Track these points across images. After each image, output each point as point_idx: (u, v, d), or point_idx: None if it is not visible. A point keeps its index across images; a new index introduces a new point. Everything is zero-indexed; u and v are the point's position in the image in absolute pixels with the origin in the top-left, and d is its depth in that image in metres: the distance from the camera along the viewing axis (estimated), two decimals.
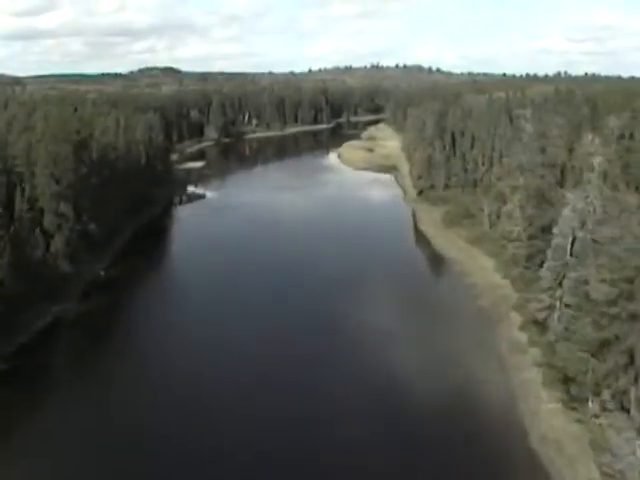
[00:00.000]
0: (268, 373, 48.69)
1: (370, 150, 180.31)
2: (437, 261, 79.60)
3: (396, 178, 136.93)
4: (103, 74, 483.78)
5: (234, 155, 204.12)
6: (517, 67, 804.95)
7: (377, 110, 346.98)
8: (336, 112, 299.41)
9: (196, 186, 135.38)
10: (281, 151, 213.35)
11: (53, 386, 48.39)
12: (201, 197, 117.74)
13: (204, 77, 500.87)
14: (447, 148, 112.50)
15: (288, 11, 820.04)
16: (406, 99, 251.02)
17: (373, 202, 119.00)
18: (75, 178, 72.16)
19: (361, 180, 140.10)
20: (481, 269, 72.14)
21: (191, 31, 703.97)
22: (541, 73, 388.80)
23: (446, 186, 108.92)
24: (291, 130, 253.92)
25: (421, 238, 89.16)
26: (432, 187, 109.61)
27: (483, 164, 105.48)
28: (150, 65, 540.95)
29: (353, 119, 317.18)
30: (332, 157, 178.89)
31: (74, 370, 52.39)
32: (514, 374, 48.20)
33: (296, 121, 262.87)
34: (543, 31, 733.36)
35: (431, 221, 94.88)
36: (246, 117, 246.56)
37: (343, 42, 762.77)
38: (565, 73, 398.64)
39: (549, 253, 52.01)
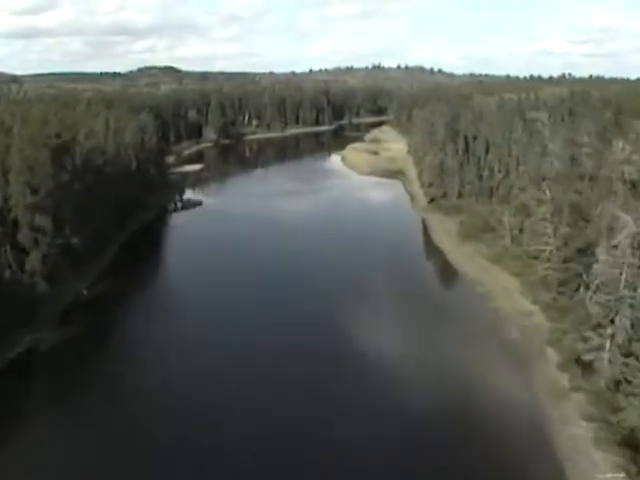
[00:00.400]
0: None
1: (375, 153, 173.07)
2: (455, 280, 72.41)
3: (403, 184, 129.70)
4: (102, 73, 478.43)
5: (233, 157, 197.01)
6: (517, 68, 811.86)
7: (380, 111, 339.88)
8: (338, 113, 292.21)
9: (193, 190, 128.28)
10: (282, 153, 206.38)
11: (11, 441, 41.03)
12: (197, 204, 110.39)
13: (204, 77, 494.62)
14: (460, 153, 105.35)
15: (288, 11, 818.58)
16: (410, 100, 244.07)
17: (381, 210, 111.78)
18: (55, 186, 64.89)
19: (366, 185, 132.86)
20: (505, 291, 64.88)
21: (191, 31, 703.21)
22: (542, 74, 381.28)
23: (459, 194, 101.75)
24: (292, 131, 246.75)
25: (435, 253, 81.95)
26: (444, 195, 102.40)
27: (499, 171, 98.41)
28: (149, 64, 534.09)
29: (355, 121, 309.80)
30: (335, 160, 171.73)
31: (41, 416, 44.95)
32: (558, 428, 40.93)
33: (297, 122, 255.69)
34: (543, 32, 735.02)
35: (445, 233, 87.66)
36: (246, 118, 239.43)
37: (343, 42, 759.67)
38: (569, 75, 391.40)
39: (595, 283, 44.89)
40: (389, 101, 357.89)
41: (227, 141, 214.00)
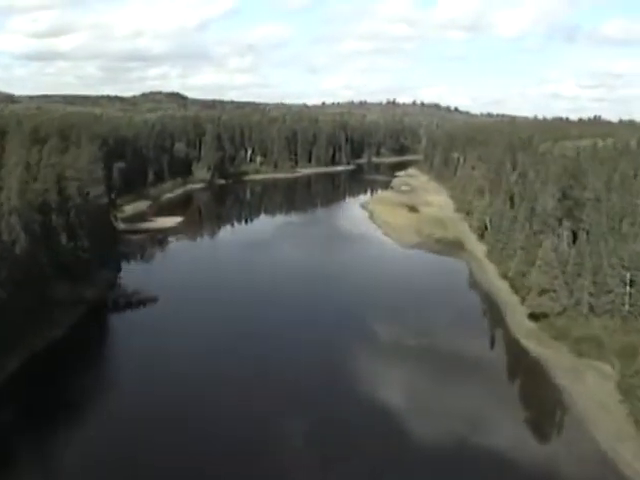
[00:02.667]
0: None
1: (412, 209, 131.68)
2: None
3: (469, 268, 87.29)
4: (102, 96, 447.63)
5: (228, 206, 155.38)
6: (526, 110, 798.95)
7: (402, 150, 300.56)
8: (356, 151, 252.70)
9: (153, 267, 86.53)
10: (290, 201, 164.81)
11: None
12: (150, 300, 67.71)
13: (211, 104, 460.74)
14: (582, 240, 63.41)
15: (303, 44, 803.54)
16: (446, 140, 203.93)
17: (457, 335, 63.46)
18: None
19: (418, 271, 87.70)
20: None
21: (205, 59, 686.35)
22: (547, 116, 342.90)
23: (590, 309, 59.46)
24: (304, 171, 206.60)
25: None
26: (563, 312, 59.78)
27: None
28: (156, 90, 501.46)
29: (375, 160, 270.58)
30: (360, 216, 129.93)
31: None
32: None
33: (310, 160, 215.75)
34: (554, 76, 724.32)
35: (609, 417, 44.74)
36: (249, 153, 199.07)
37: (356, 77, 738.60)
38: (598, 117, 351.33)
39: None
40: (412, 139, 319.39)
41: (223, 181, 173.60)
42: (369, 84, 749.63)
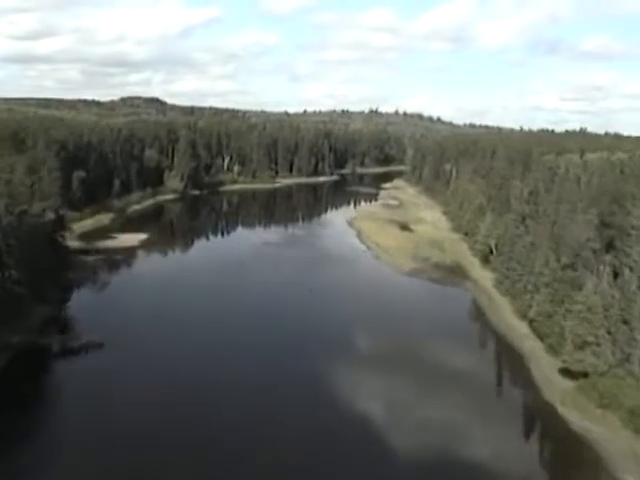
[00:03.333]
0: None
1: (404, 227, 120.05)
2: None
3: (473, 299, 75.66)
4: (79, 100, 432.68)
5: (201, 219, 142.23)
6: (508, 121, 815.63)
7: (387, 160, 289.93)
8: (339, 161, 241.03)
9: (103, 290, 73.26)
10: (270, 216, 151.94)
11: None
12: (94, 347, 54.48)
13: (190, 110, 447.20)
14: (626, 278, 51.82)
15: (286, 52, 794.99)
16: (437, 150, 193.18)
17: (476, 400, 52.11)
18: None
19: (418, 307, 74.75)
20: None
21: (188, 66, 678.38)
22: (531, 128, 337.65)
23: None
24: (284, 182, 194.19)
25: None
26: (607, 371, 48.09)
27: None
28: (134, 95, 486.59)
29: (359, 170, 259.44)
30: (346, 233, 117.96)
31: None
32: None
33: (291, 170, 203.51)
34: (535, 88, 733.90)
35: None
36: (226, 162, 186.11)
37: (338, 86, 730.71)
38: (583, 129, 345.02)
39: None
40: (397, 149, 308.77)
41: (197, 192, 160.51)
42: (351, 93, 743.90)
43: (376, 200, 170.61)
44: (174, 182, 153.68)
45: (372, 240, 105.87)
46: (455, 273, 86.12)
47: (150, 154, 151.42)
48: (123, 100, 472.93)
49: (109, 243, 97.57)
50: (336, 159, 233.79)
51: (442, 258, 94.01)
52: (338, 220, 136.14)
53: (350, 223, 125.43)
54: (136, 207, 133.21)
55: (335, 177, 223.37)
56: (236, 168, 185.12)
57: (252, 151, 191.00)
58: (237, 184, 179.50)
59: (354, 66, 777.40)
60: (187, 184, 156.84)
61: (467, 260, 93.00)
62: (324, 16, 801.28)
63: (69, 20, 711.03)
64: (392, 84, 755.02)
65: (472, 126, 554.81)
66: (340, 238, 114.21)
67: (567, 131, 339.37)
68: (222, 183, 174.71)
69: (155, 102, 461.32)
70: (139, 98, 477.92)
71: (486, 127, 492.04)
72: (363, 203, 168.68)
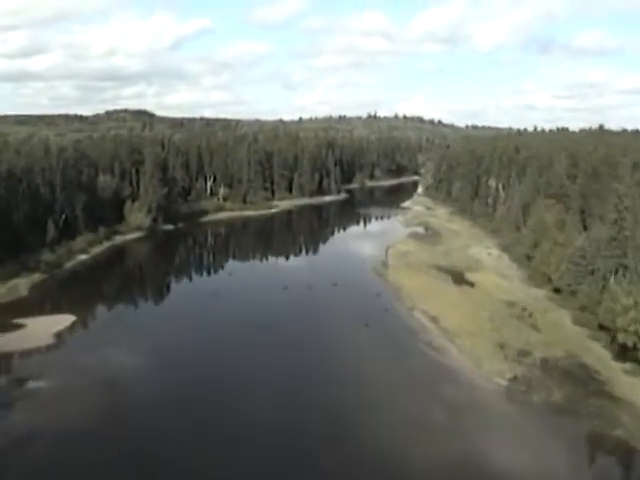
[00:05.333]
0: None
1: (461, 280, 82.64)
2: None
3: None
4: (60, 115, 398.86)
5: (171, 269, 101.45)
6: (502, 121, 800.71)
7: (398, 171, 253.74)
8: (346, 175, 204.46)
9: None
10: (266, 259, 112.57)
11: None
12: None
13: (180, 122, 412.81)
14: None
15: (279, 61, 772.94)
16: (471, 160, 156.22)
17: None
18: None
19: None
20: None
21: (181, 78, 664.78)
22: (524, 127, 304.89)
23: None
24: (282, 205, 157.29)
25: None
26: None
27: None
28: (119, 108, 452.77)
29: (369, 184, 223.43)
30: (380, 294, 79.48)
31: None
32: None
33: (290, 190, 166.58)
34: (529, 87, 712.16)
35: None
36: (209, 184, 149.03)
37: (332, 92, 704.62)
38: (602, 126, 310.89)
39: None
40: (409, 158, 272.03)
41: (171, 227, 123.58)
42: (346, 99, 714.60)
43: (401, 225, 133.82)
44: (139, 216, 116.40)
45: (422, 310, 68.39)
46: (585, 386, 48.77)
47: (105, 181, 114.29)
48: (108, 114, 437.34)
49: (8, 340, 60.07)
50: (342, 172, 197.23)
51: (547, 347, 56.78)
52: (360, 265, 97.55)
53: (380, 273, 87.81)
54: (82, 257, 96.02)
55: (343, 195, 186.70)
56: (222, 191, 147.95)
57: (241, 169, 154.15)
58: (223, 212, 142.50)
59: (348, 71, 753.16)
60: (156, 217, 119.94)
61: (585, 348, 56.06)
62: (316, 22, 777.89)
63: (59, 36, 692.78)
64: (387, 88, 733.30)
65: (474, 128, 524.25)
66: (372, 309, 72.57)
67: (581, 129, 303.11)
68: (204, 212, 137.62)
69: (143, 114, 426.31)
70: (126, 111, 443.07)
71: (489, 128, 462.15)
72: (384, 229, 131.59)
